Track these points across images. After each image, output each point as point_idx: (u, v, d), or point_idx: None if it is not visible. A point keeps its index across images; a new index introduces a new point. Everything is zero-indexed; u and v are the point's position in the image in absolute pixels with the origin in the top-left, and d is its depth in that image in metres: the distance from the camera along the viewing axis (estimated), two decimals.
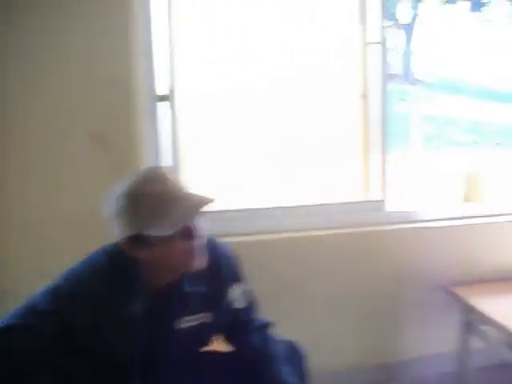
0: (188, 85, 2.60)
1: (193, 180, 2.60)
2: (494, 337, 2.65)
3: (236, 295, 1.69)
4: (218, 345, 1.77)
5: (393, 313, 2.88)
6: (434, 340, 2.97)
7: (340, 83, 2.82)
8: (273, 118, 2.76)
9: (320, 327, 2.76)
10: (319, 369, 2.76)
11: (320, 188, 2.83)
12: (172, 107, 2.50)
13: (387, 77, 2.77)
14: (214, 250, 1.63)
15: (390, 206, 2.86)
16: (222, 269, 1.66)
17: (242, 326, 1.73)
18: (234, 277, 1.70)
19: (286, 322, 2.67)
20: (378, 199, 2.81)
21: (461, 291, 2.80)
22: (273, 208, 2.73)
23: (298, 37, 2.76)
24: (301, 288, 2.73)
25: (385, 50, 2.76)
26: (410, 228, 2.85)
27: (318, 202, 2.78)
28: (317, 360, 2.75)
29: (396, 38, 11.79)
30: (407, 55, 11.71)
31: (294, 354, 1.80)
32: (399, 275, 2.85)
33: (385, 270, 2.81)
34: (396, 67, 11.55)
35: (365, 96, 2.78)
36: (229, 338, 1.76)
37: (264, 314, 2.59)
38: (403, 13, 12.19)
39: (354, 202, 2.82)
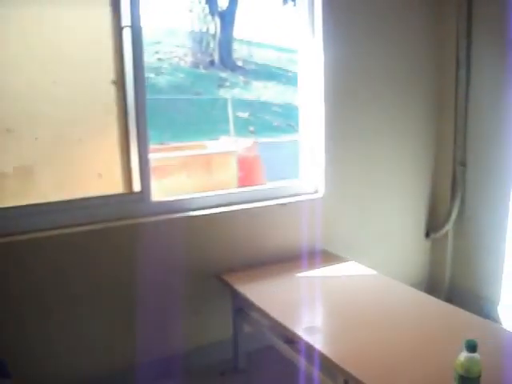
0: None
1: None
2: (260, 322, 2.67)
3: None
4: None
5: (166, 305, 2.79)
6: (210, 329, 2.94)
7: (94, 70, 2.64)
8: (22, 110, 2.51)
9: (84, 329, 2.60)
10: (88, 373, 2.63)
11: (77, 182, 2.65)
12: None
13: (142, 62, 2.65)
14: None
15: (155, 197, 2.76)
16: None
17: None
18: None
19: (37, 329, 2.50)
20: (139, 190, 2.69)
21: (231, 278, 2.78)
22: (23, 206, 2.49)
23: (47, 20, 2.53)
24: (65, 289, 2.54)
25: (138, 34, 2.63)
26: (178, 218, 2.77)
27: (75, 197, 2.59)
28: (81, 365, 2.63)
29: (214, 25, 11.90)
30: (225, 42, 11.86)
31: None
32: (170, 266, 2.77)
33: (153, 262, 2.70)
34: (215, 53, 11.66)
35: (118, 83, 2.63)
36: None
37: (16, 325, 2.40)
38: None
39: (114, 194, 2.67)
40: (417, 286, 3.45)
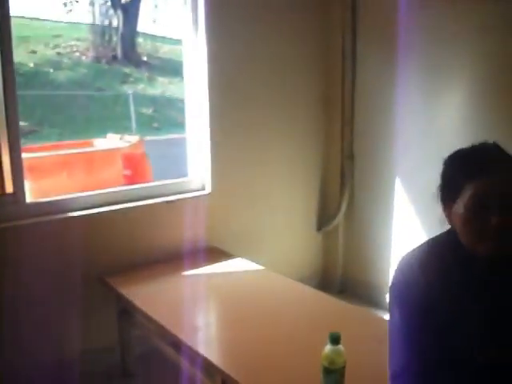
0: None
1: None
2: (145, 324, 2.59)
3: None
4: None
5: (48, 311, 2.66)
6: (98, 333, 2.83)
7: None
8: None
9: None
10: None
11: None
12: None
13: (11, 56, 2.50)
14: None
15: (30, 198, 2.62)
16: None
17: None
18: None
19: None
20: (12, 192, 2.55)
21: (114, 281, 2.69)
22: None
23: None
24: None
25: (6, 26, 2.48)
26: (56, 219, 2.65)
27: None
28: None
29: (117, 18, 11.59)
30: (128, 36, 11.58)
31: None
32: (50, 270, 2.64)
33: (31, 267, 2.57)
34: (118, 48, 11.36)
35: None
36: None
37: None
38: None
39: None
40: (311, 279, 3.52)
